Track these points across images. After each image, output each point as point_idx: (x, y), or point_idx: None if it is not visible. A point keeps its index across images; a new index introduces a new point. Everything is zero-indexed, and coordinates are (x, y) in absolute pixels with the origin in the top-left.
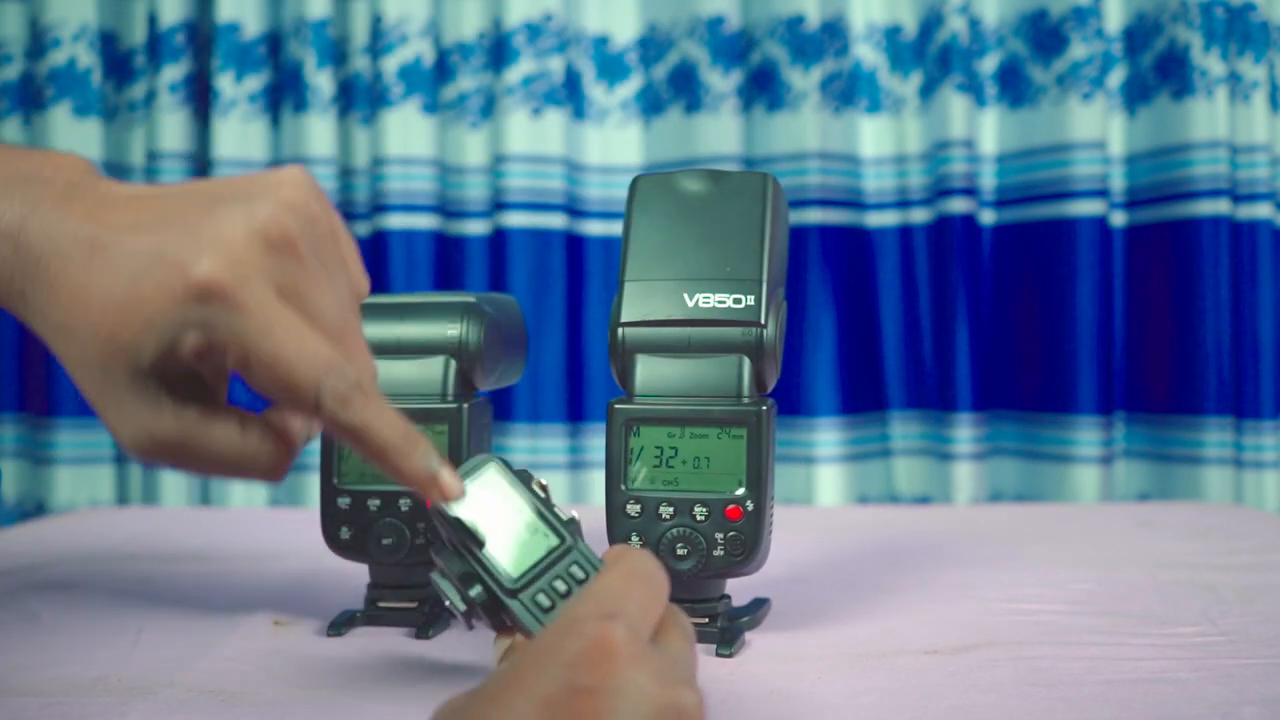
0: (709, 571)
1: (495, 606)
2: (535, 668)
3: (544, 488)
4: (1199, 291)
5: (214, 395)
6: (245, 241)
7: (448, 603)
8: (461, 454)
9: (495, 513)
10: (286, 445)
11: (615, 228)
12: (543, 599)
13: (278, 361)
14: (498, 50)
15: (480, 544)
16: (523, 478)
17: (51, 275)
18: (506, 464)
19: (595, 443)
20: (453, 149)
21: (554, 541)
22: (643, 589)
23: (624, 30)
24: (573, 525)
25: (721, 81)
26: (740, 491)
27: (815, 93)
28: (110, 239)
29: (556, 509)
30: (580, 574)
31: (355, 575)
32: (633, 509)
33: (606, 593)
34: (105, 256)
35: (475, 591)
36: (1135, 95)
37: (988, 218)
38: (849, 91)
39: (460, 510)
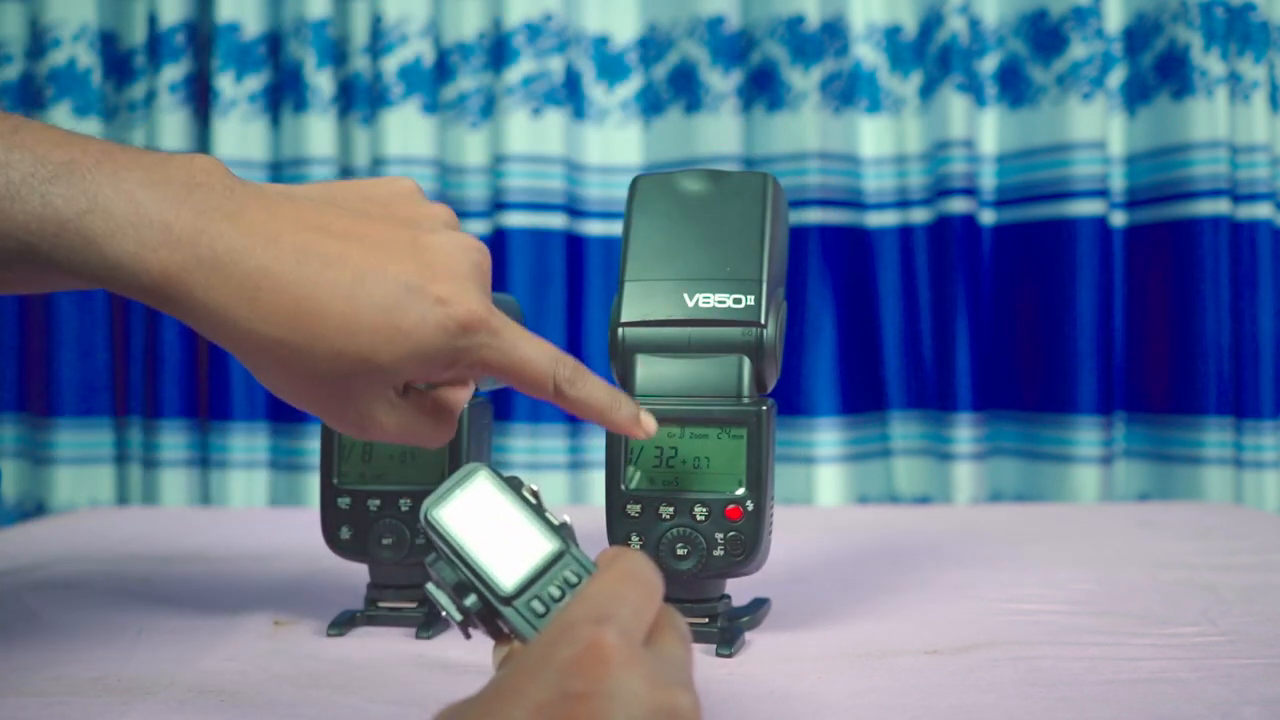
0: (709, 571)
1: (491, 615)
2: (528, 675)
3: (535, 494)
4: (1199, 291)
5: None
6: (473, 273)
7: (444, 613)
8: (462, 454)
9: (487, 521)
10: (451, 414)
11: (615, 228)
12: (537, 605)
13: (526, 364)
14: (498, 50)
15: (467, 548)
16: (513, 484)
17: (252, 284)
18: (496, 472)
19: (595, 443)
20: (453, 149)
21: (547, 547)
22: (636, 591)
23: (624, 30)
24: (565, 530)
25: (721, 81)
26: (740, 491)
27: (815, 93)
28: (325, 251)
29: (548, 514)
30: (574, 578)
31: (355, 575)
32: (633, 509)
33: (599, 596)
34: (334, 276)
35: (470, 601)
36: (1135, 95)
37: (988, 218)
38: (849, 91)
39: (451, 520)
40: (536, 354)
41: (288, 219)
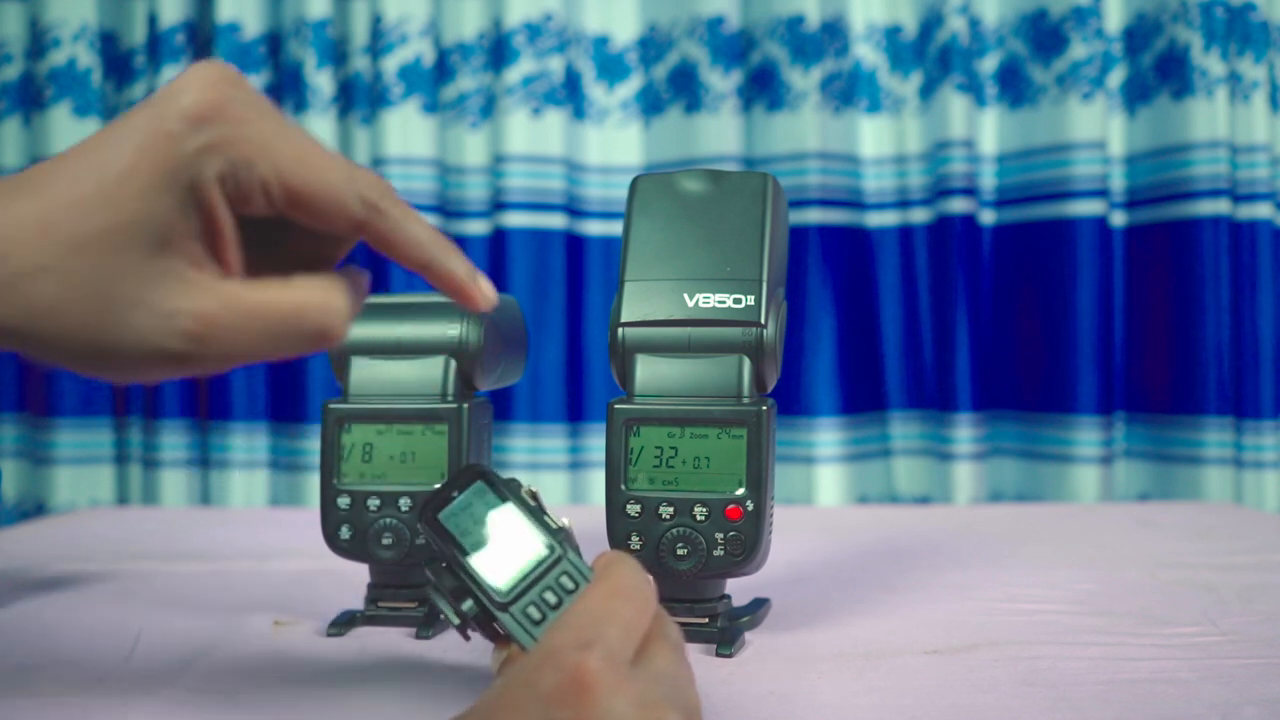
0: (709, 571)
1: (488, 619)
2: (513, 704)
3: (534, 495)
4: (1199, 291)
5: (232, 259)
6: (213, 75)
7: (443, 616)
8: (462, 454)
9: (485, 524)
10: (341, 291)
11: (615, 228)
12: (533, 611)
13: (307, 166)
14: (498, 50)
15: (464, 552)
16: (511, 487)
17: None
18: (495, 474)
19: (595, 443)
20: (453, 149)
21: (544, 552)
22: (626, 607)
23: (624, 30)
24: (562, 534)
25: (721, 81)
26: (740, 491)
27: (815, 93)
28: (54, 162)
29: (547, 517)
30: (570, 584)
31: (355, 575)
32: (633, 509)
33: (584, 618)
34: (54, 173)
35: (467, 605)
36: (1135, 95)
37: (988, 218)
38: (849, 91)
39: (449, 523)
40: (322, 158)
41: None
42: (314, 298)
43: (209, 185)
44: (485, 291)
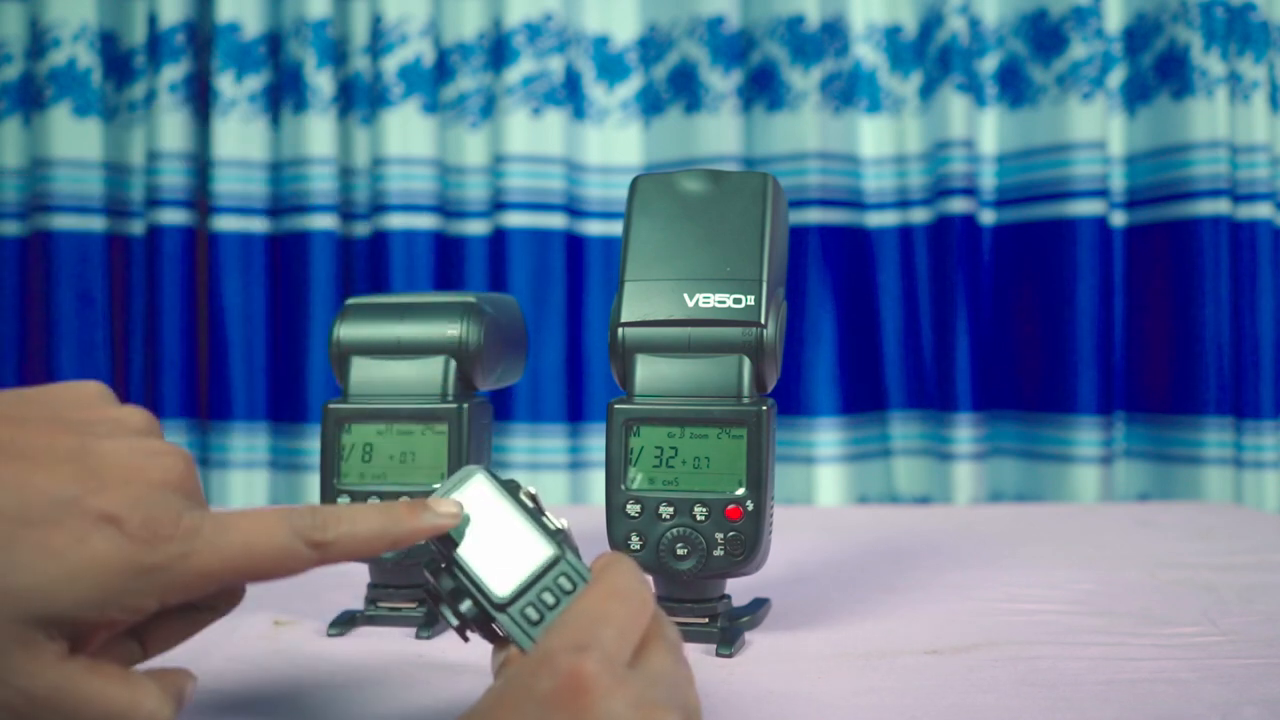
0: (709, 571)
1: (487, 621)
2: (511, 707)
3: (533, 497)
4: (1199, 291)
5: (91, 648)
6: (160, 481)
7: (442, 618)
8: (462, 454)
9: (483, 525)
10: (176, 699)
11: (615, 228)
12: (531, 612)
13: (251, 545)
14: (498, 50)
15: (462, 553)
16: (510, 488)
17: None
18: (493, 475)
19: (595, 443)
20: (453, 149)
21: (542, 553)
22: (622, 609)
23: (624, 30)
24: (560, 535)
25: (721, 81)
26: (740, 491)
27: (815, 93)
28: None
29: (545, 518)
30: (568, 585)
31: (355, 575)
32: (633, 509)
33: (580, 621)
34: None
35: (466, 607)
36: (1135, 95)
37: (988, 218)
38: (849, 91)
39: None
40: (260, 526)
41: None
42: (138, 702)
43: (147, 604)
44: (444, 511)
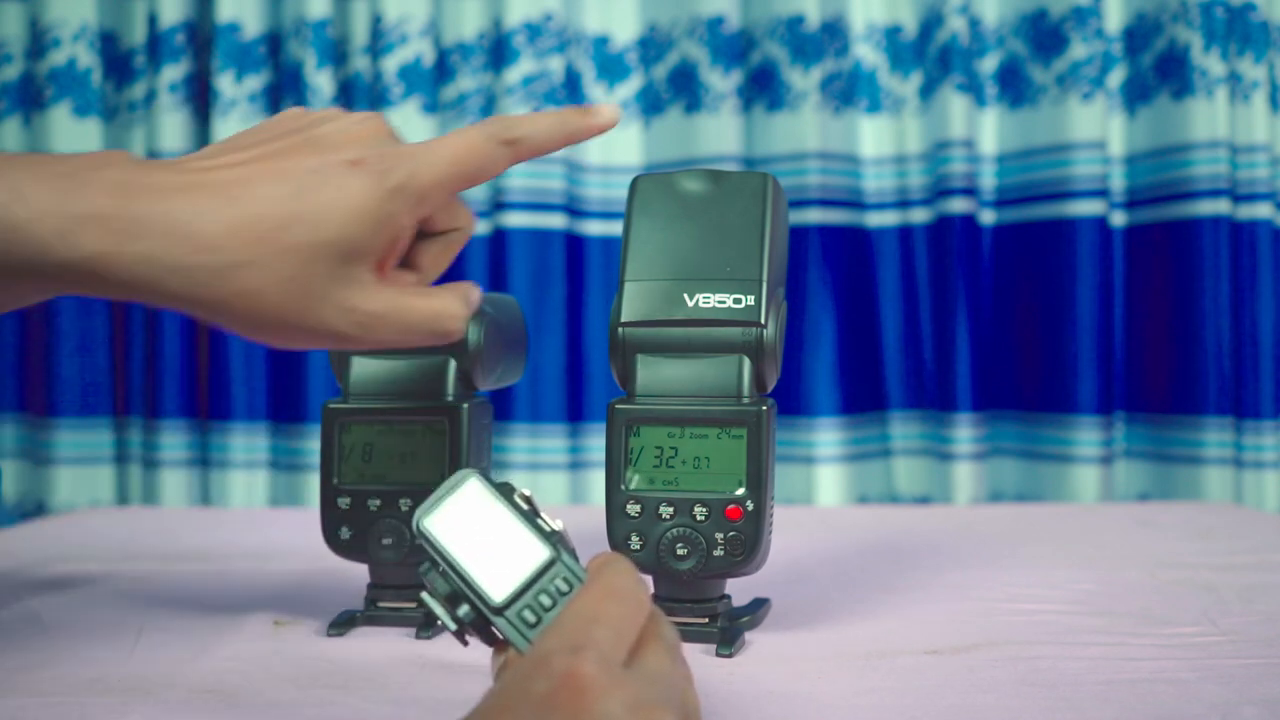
0: (709, 571)
1: (485, 624)
2: (507, 711)
3: (527, 499)
4: (1199, 291)
5: (390, 273)
6: (374, 135)
7: (439, 622)
8: (462, 454)
9: (478, 530)
10: (466, 301)
11: (615, 228)
12: (528, 615)
13: (458, 152)
14: (498, 50)
15: (458, 557)
16: (504, 491)
17: (181, 230)
18: (487, 478)
19: (595, 443)
20: None
21: (537, 556)
22: (617, 609)
23: (624, 30)
24: (556, 537)
25: (721, 81)
26: (740, 491)
27: (815, 93)
28: (233, 177)
29: (541, 520)
30: (565, 587)
31: (355, 575)
32: (633, 509)
33: (575, 621)
34: (248, 191)
35: (463, 611)
36: (1135, 95)
37: (988, 218)
38: (849, 91)
39: (442, 530)
40: (463, 138)
41: (193, 169)
42: (447, 307)
43: (402, 219)
44: (606, 114)
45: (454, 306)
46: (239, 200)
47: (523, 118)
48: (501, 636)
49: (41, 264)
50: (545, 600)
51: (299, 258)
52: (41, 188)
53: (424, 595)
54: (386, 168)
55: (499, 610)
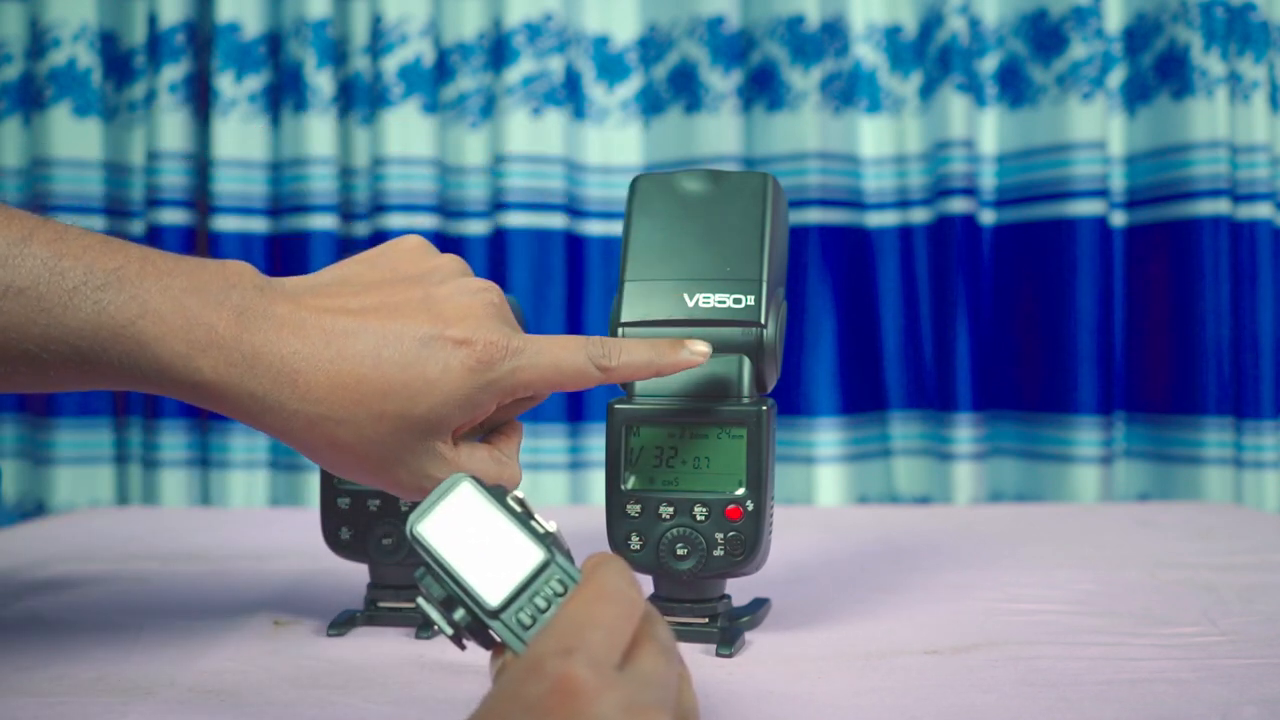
0: (709, 571)
1: (481, 627)
2: (501, 715)
3: (520, 501)
4: (1199, 291)
5: (459, 437)
6: (486, 311)
7: (435, 627)
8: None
9: (471, 533)
10: (508, 455)
11: (615, 228)
12: (524, 617)
13: (560, 366)
14: (498, 50)
15: (452, 561)
16: (497, 494)
17: (290, 370)
18: (479, 482)
19: (595, 443)
20: (453, 149)
21: (532, 558)
22: (610, 611)
23: (624, 30)
24: (550, 539)
25: (721, 81)
26: (740, 491)
27: (815, 93)
28: (347, 327)
29: (534, 522)
30: (559, 588)
31: (355, 575)
32: (633, 509)
33: (567, 624)
34: (359, 347)
35: (459, 615)
36: (1135, 95)
37: (988, 218)
38: (849, 91)
39: (436, 534)
40: (565, 351)
41: (310, 306)
42: (505, 472)
43: (489, 405)
44: (696, 349)
45: (510, 464)
46: (347, 357)
47: (622, 344)
48: (498, 639)
49: (160, 379)
50: (540, 603)
51: (391, 425)
52: (170, 306)
53: (419, 600)
54: (492, 359)
55: (494, 614)
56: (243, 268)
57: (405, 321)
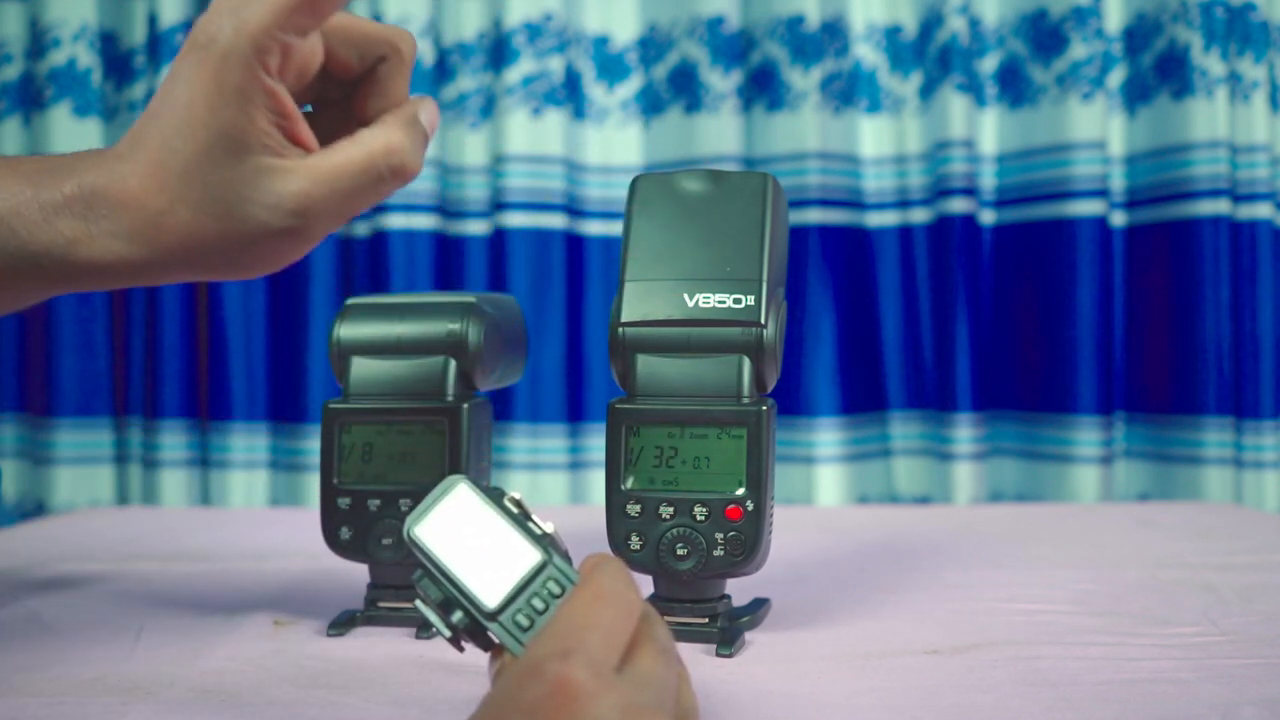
0: (709, 571)
1: (479, 629)
2: (499, 718)
3: (517, 503)
4: (1199, 291)
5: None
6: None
7: (434, 630)
8: (461, 454)
9: (468, 535)
10: (407, 125)
11: (615, 228)
12: (522, 619)
13: None
14: (498, 50)
15: (450, 563)
16: (494, 495)
17: (107, 183)
18: (476, 484)
19: (595, 443)
20: (453, 149)
21: (529, 560)
22: (608, 613)
23: (624, 30)
24: (547, 540)
25: (721, 81)
26: (740, 491)
27: (815, 93)
28: (140, 124)
29: (531, 523)
30: (557, 589)
31: (355, 575)
32: (633, 509)
33: (565, 626)
34: (142, 133)
35: (457, 617)
36: (1135, 95)
37: (988, 218)
38: (849, 91)
39: (433, 537)
40: None
41: (122, 142)
42: (377, 144)
43: (257, 78)
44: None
45: (395, 136)
46: (138, 142)
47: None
48: (496, 641)
49: (21, 255)
50: (538, 604)
51: (196, 175)
52: (18, 182)
53: (417, 603)
54: (208, 36)
55: (492, 615)
56: (90, 150)
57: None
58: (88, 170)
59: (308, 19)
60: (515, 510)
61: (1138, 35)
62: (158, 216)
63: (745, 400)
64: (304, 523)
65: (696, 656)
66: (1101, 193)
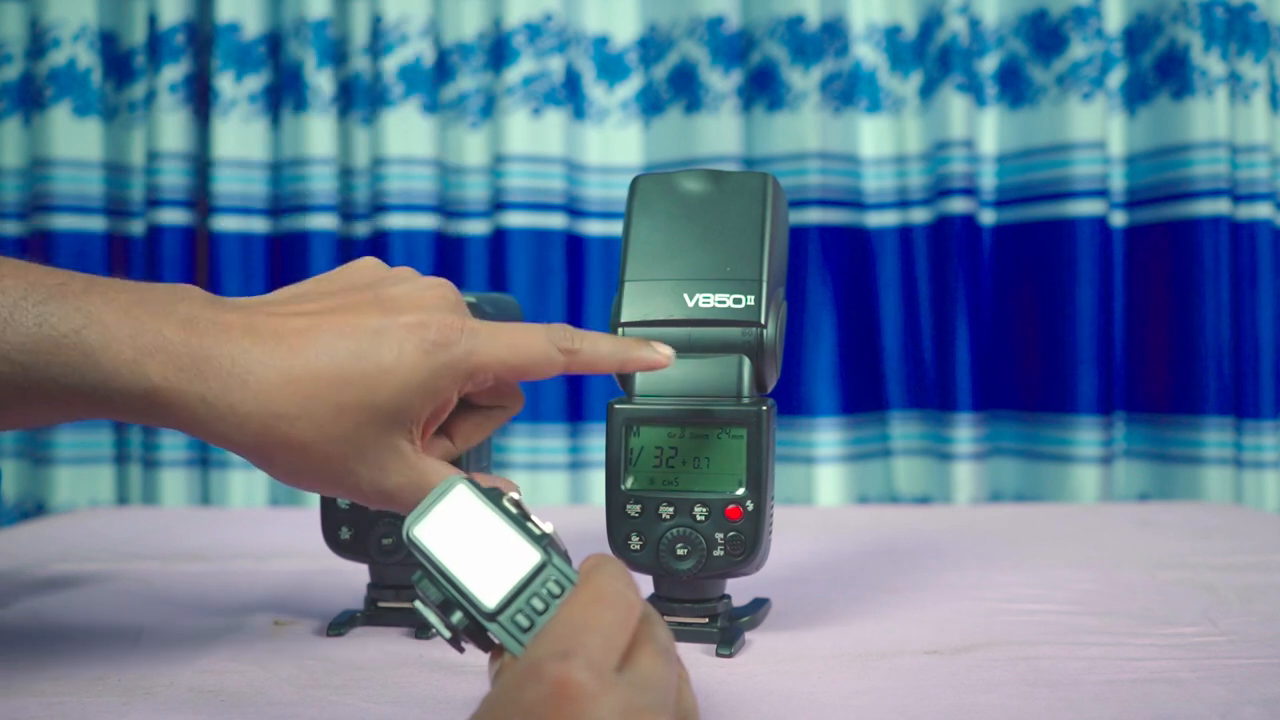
0: (709, 571)
1: (479, 630)
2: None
3: (516, 503)
4: (1199, 291)
5: (423, 444)
6: (439, 303)
7: (433, 630)
8: (461, 455)
9: (467, 536)
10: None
11: (615, 228)
12: (521, 619)
13: (516, 344)
14: (498, 50)
15: (449, 564)
16: (492, 495)
17: (241, 370)
18: (474, 484)
19: (595, 443)
20: (453, 149)
21: (528, 560)
22: (607, 613)
23: (624, 30)
24: (546, 540)
25: (721, 81)
26: (740, 491)
27: (815, 93)
28: (299, 327)
29: (530, 523)
30: (556, 590)
31: (355, 575)
32: (633, 509)
33: (565, 627)
34: (312, 344)
35: (457, 618)
36: (1135, 95)
37: (988, 218)
38: (849, 91)
39: (432, 537)
40: (524, 333)
41: (262, 313)
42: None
43: (449, 390)
44: (664, 351)
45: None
46: (299, 352)
47: (587, 334)
48: (496, 641)
49: (107, 390)
50: (537, 604)
51: (352, 418)
52: (116, 315)
53: (417, 603)
54: (446, 340)
55: (492, 616)
56: (190, 287)
57: (358, 317)
58: (208, 328)
59: (512, 377)
60: (514, 510)
61: (1138, 35)
62: (279, 418)
63: (745, 400)
64: (304, 523)
65: (696, 656)
66: (1101, 193)
